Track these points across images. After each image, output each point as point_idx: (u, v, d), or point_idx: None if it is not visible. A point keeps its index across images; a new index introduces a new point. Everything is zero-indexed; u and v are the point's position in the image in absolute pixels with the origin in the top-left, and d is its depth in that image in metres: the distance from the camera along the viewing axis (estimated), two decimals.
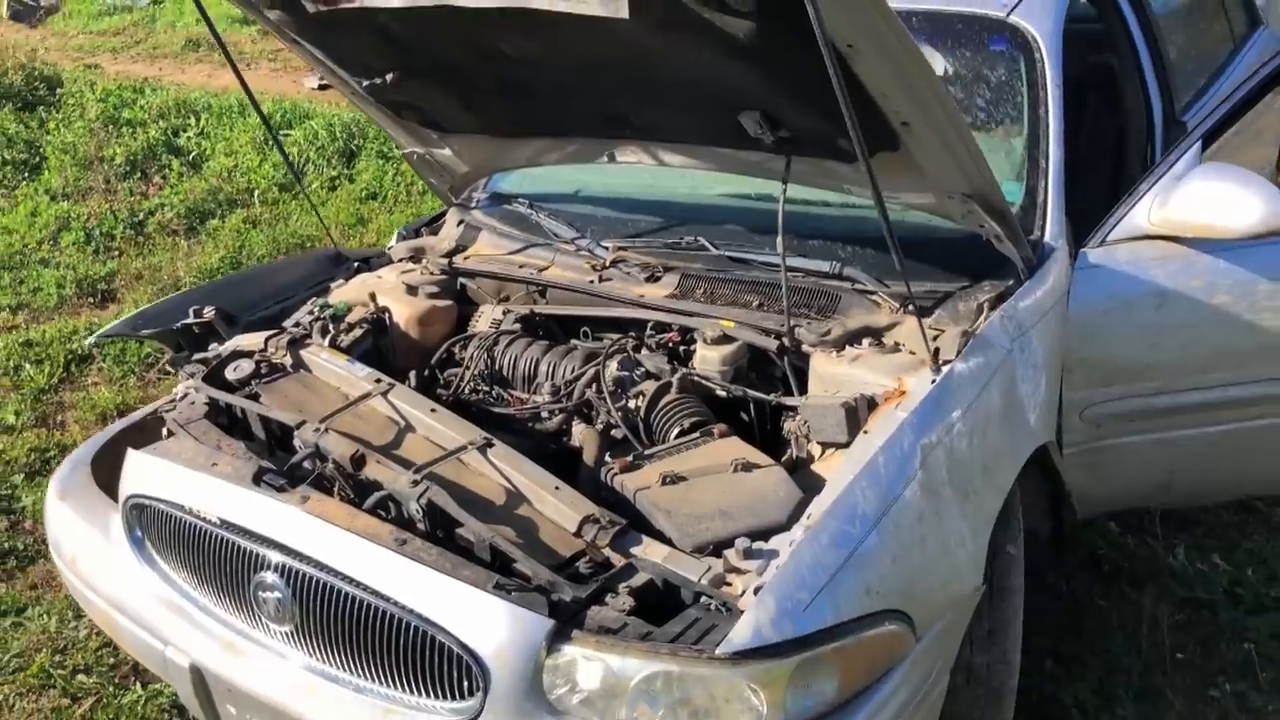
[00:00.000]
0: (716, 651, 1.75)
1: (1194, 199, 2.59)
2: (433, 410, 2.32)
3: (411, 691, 1.94)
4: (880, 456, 2.01)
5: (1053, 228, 2.69)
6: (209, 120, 7.68)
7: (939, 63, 3.12)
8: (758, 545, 1.93)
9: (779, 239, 2.46)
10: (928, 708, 2.05)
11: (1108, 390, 2.73)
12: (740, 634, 1.76)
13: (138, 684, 2.87)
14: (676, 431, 2.33)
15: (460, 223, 3.21)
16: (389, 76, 2.67)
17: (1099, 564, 3.05)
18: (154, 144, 7.26)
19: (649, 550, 1.99)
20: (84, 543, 2.40)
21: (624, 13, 1.97)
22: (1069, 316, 2.65)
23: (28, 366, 4.59)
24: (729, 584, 1.90)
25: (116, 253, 5.92)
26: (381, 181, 6.54)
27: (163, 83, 9.04)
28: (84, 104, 8.03)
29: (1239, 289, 2.67)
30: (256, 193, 6.55)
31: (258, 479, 2.11)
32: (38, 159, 7.20)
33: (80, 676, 2.92)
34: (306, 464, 2.18)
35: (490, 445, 2.20)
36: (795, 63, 1.96)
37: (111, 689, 2.88)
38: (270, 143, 7.24)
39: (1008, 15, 3.01)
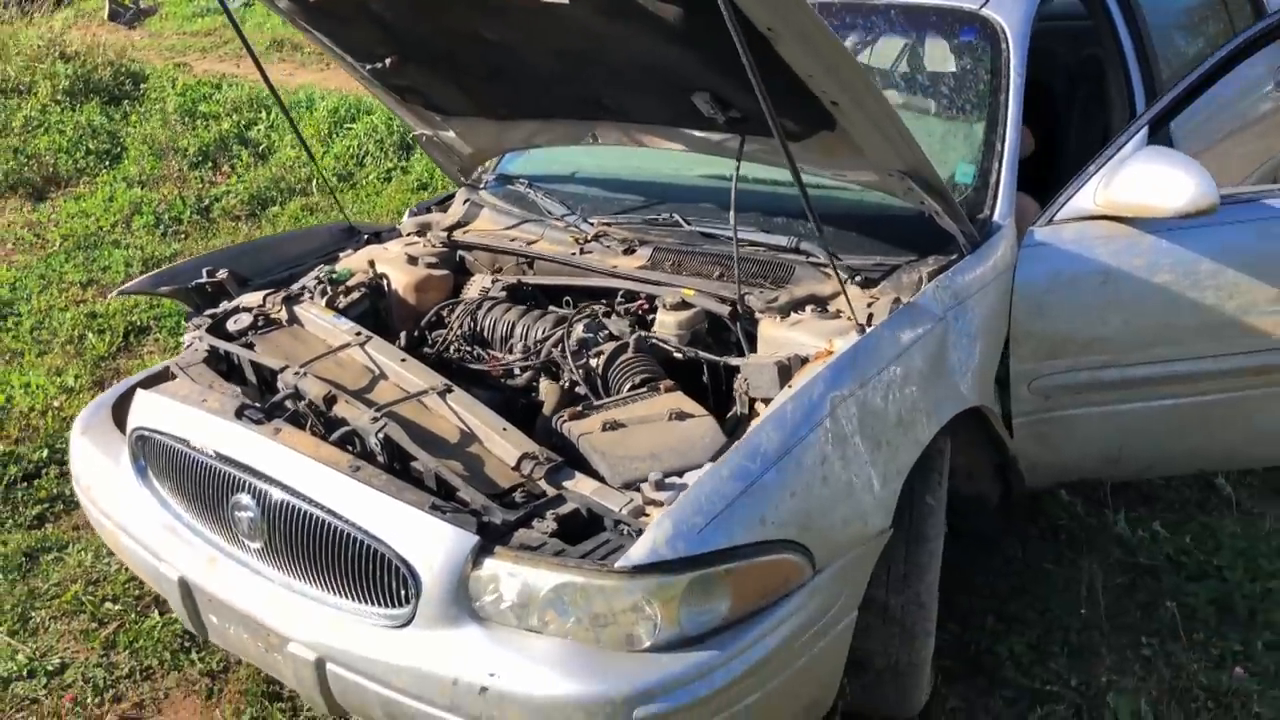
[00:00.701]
0: (615, 565, 1.96)
1: (1134, 180, 2.73)
2: (403, 360, 2.56)
3: (359, 600, 2.18)
4: (789, 404, 2.19)
5: (1002, 207, 2.84)
6: (278, 114, 8.07)
7: (938, 56, 3.30)
8: (670, 479, 2.13)
9: (732, 214, 2.65)
10: (833, 638, 2.22)
11: (1054, 363, 2.87)
12: (638, 551, 1.97)
13: (157, 612, 3.16)
14: (629, 386, 2.54)
15: (466, 201, 3.46)
16: (388, 61, 2.93)
17: (1056, 533, 3.18)
18: (226, 136, 7.66)
19: (579, 485, 2.20)
20: (98, 472, 2.69)
21: None
22: (1016, 291, 2.80)
23: (90, 336, 4.95)
24: (647, 515, 2.10)
25: (183, 235, 6.31)
26: (432, 173, 6.83)
27: (241, 79, 9.48)
28: (164, 98, 8.50)
29: (1181, 268, 2.79)
30: (315, 182, 6.90)
31: (239, 413, 2.38)
32: (119, 149, 7.65)
33: (108, 604, 3.22)
34: (287, 403, 2.44)
35: (450, 391, 2.44)
36: (728, 45, 2.15)
37: (134, 615, 3.17)
38: (333, 134, 7.63)
39: (980, 8, 3.16)
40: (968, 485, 2.96)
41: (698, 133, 2.75)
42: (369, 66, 2.98)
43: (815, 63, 2.18)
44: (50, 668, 2.98)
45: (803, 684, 2.20)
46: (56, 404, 4.35)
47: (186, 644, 3.04)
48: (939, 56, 3.20)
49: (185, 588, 2.40)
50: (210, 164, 7.38)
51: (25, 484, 3.84)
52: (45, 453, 3.98)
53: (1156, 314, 2.82)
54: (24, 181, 7.11)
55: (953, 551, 3.01)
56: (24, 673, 2.96)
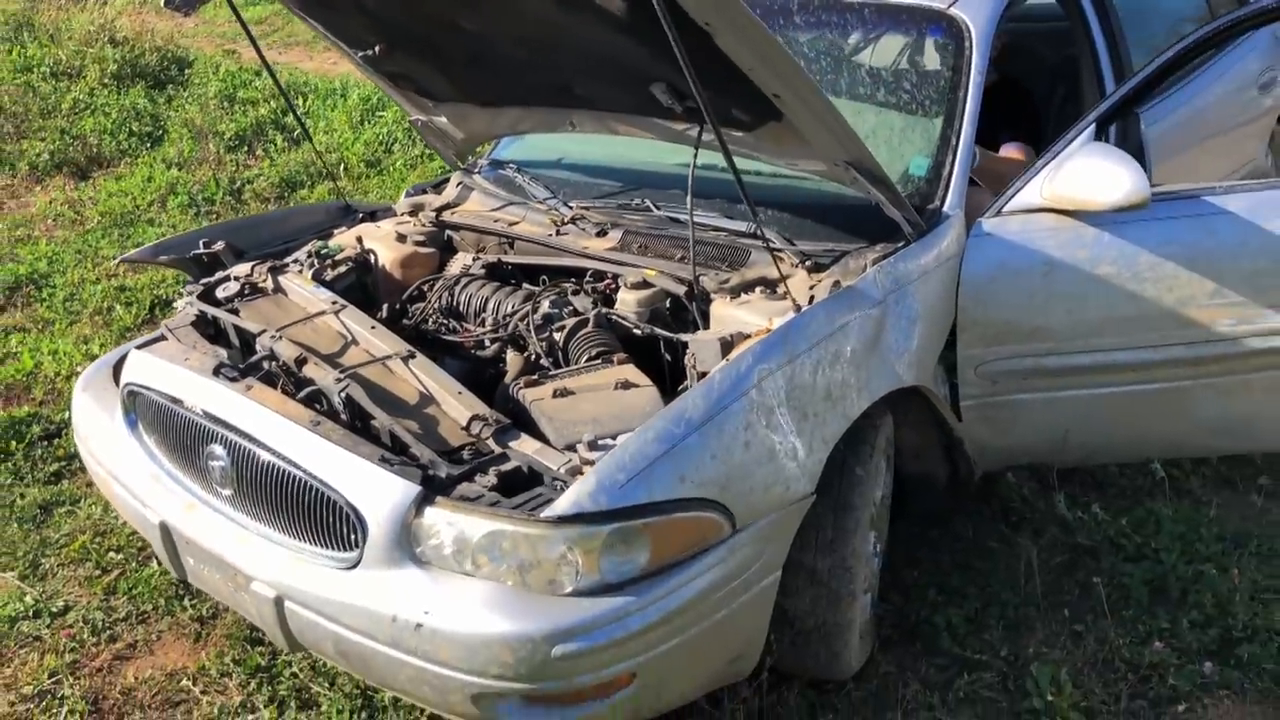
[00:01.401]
0: (541, 515, 2.14)
1: (1076, 175, 2.85)
2: (373, 328, 2.75)
3: (314, 544, 2.37)
4: (717, 375, 2.36)
5: (953, 198, 2.98)
6: (314, 101, 8.34)
7: (904, 53, 3.43)
8: (604, 441, 2.30)
9: (688, 200, 2.82)
10: (755, 594, 2.38)
11: (999, 349, 3.00)
12: (562, 503, 2.14)
13: (155, 562, 3.38)
14: (585, 359, 2.71)
15: (459, 184, 3.65)
16: (377, 49, 3.12)
17: (1007, 514, 3.31)
18: (262, 121, 7.92)
19: (523, 445, 2.38)
20: (95, 425, 2.91)
21: None
22: (962, 279, 2.93)
23: (118, 308, 5.20)
24: (583, 474, 2.27)
25: (214, 215, 6.55)
26: None
27: (282, 66, 9.76)
28: (207, 84, 8.79)
29: (1122, 261, 2.91)
30: (345, 167, 7.13)
31: (216, 371, 2.58)
32: (160, 132, 7.94)
33: (112, 554, 3.45)
34: (263, 364, 2.64)
35: (412, 357, 2.63)
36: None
37: (134, 565, 3.39)
38: (364, 121, 7.86)
39: (948, 7, 3.29)
40: (915, 465, 3.11)
41: (661, 121, 2.91)
42: (360, 54, 3.18)
43: (753, 56, 2.33)
44: (54, 609, 3.20)
45: (725, 636, 2.36)
46: (80, 370, 4.59)
47: (180, 592, 3.25)
48: (905, 53, 3.34)
49: (165, 531, 2.61)
50: (246, 148, 7.64)
51: (46, 443, 4.08)
52: (66, 414, 4.22)
53: (1098, 305, 2.93)
54: (69, 161, 7.40)
55: (901, 528, 3.18)
56: (30, 613, 3.19)
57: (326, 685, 2.84)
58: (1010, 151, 3.83)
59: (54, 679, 2.93)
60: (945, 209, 2.96)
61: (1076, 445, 3.15)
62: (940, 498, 3.18)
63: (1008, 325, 2.97)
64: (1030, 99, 4.15)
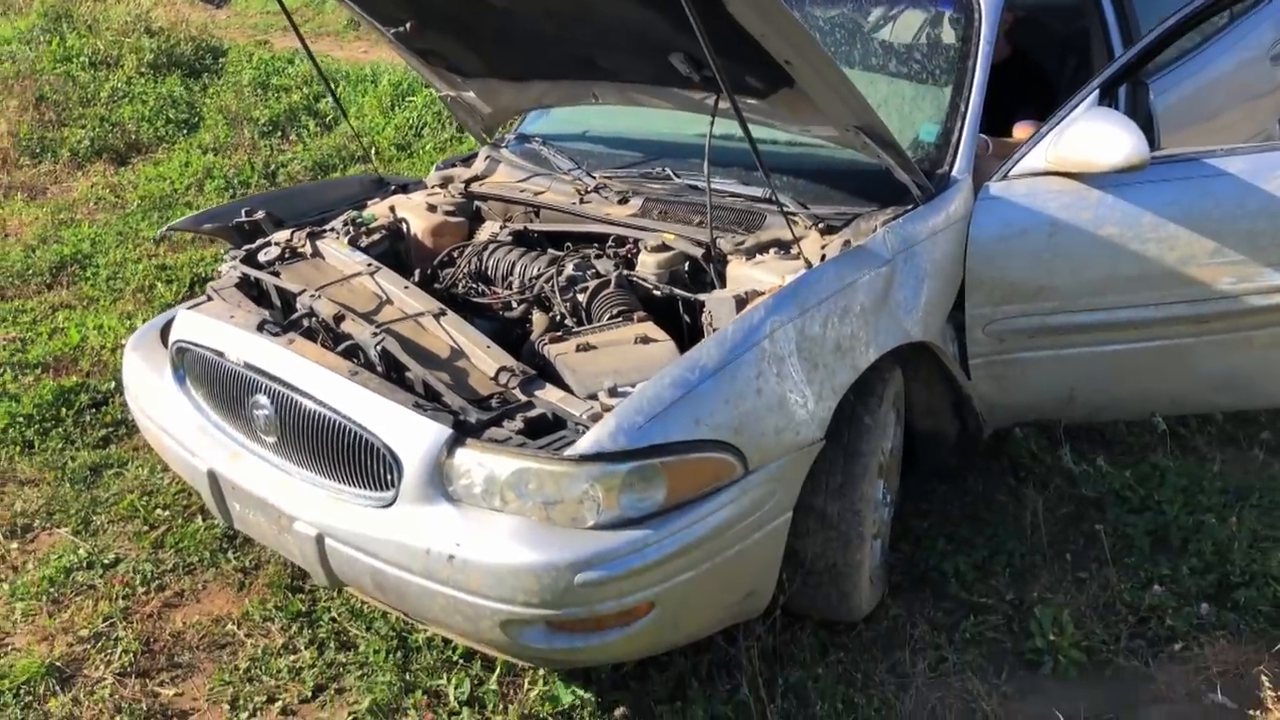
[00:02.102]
0: (564, 454, 2.28)
1: (1078, 138, 2.96)
2: (406, 288, 2.91)
3: (353, 485, 2.52)
4: (731, 327, 2.49)
5: (961, 163, 3.10)
6: (345, 88, 8.52)
7: (916, 24, 3.55)
8: (624, 389, 2.44)
9: (705, 166, 2.95)
10: (767, 533, 2.51)
11: (1007, 309, 3.11)
12: (584, 443, 2.29)
13: (200, 519, 3.55)
14: (607, 317, 2.85)
15: (487, 158, 3.79)
16: (408, 25, 3.27)
17: (1016, 469, 3.42)
18: (295, 107, 8.12)
19: (548, 394, 2.52)
20: (145, 382, 3.08)
21: None
22: (970, 240, 3.04)
23: (159, 285, 5.39)
24: (604, 418, 2.41)
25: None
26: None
27: (315, 55, 9.94)
28: (241, 72, 8.98)
29: (1125, 221, 3.01)
30: (376, 150, 7.30)
31: (260, 327, 2.74)
32: (196, 119, 8.15)
33: (159, 511, 3.62)
34: (304, 321, 2.80)
35: (444, 314, 2.77)
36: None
37: (181, 521, 3.57)
38: (395, 105, 8.02)
39: None
40: (926, 421, 3.23)
41: (680, 91, 3.04)
42: (392, 30, 3.33)
43: (764, 23, 2.45)
44: (106, 561, 3.38)
45: (739, 572, 2.50)
46: (124, 343, 4.78)
47: (224, 545, 3.43)
48: (917, 25, 3.45)
49: (213, 479, 2.77)
50: (280, 134, 7.83)
51: (94, 410, 4.27)
52: (112, 384, 4.40)
53: (1101, 264, 3.04)
54: (109, 147, 7.62)
55: (912, 482, 3.30)
56: (84, 564, 3.37)
57: (364, 628, 3.00)
58: (1023, 130, 3.92)
59: (108, 623, 3.11)
60: (954, 173, 3.07)
61: (1082, 402, 3.26)
62: (950, 453, 3.30)
63: (1014, 285, 3.08)
64: (1043, 74, 4.24)
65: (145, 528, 3.56)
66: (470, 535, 2.32)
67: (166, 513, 3.62)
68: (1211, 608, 2.87)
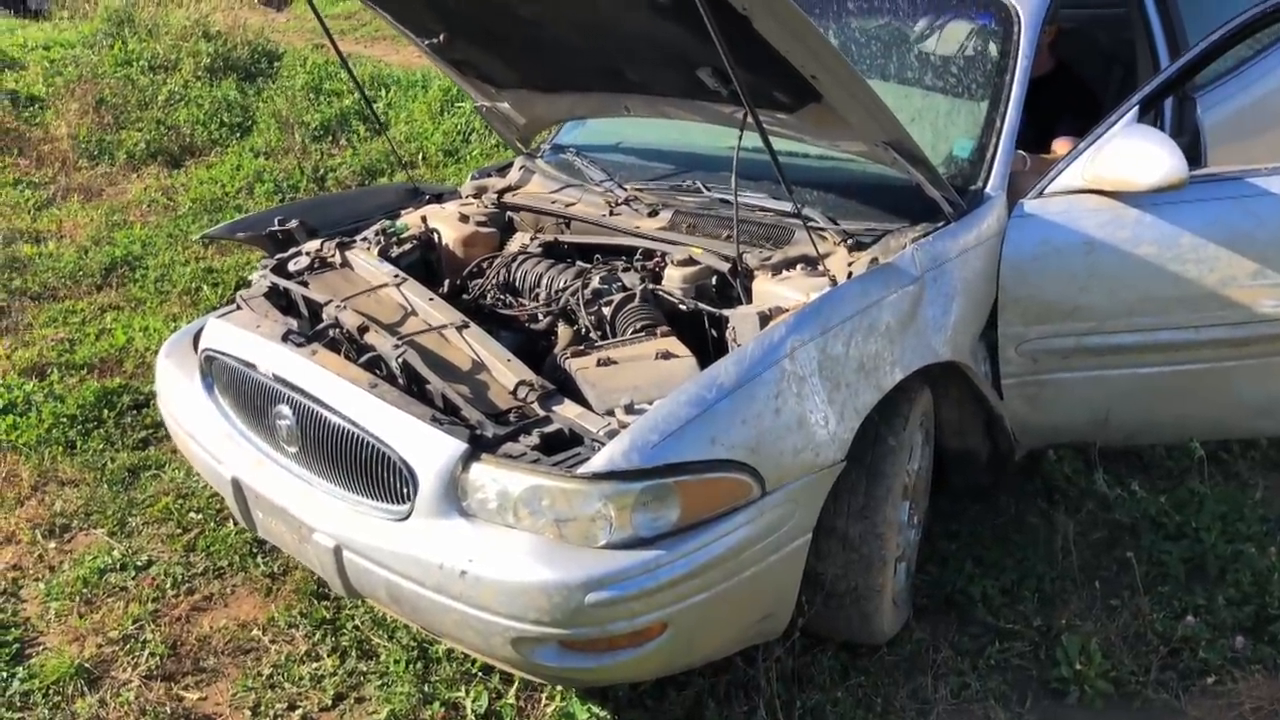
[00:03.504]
0: (578, 472, 2.27)
1: (1116, 155, 2.90)
2: (431, 299, 2.91)
3: (371, 497, 2.53)
4: (751, 345, 2.46)
5: (995, 180, 3.04)
6: (397, 93, 8.60)
7: (954, 37, 3.49)
8: (641, 406, 2.42)
9: (733, 180, 2.92)
10: (785, 555, 2.48)
11: (1041, 328, 3.05)
12: (598, 461, 2.27)
13: (231, 523, 3.59)
14: (630, 332, 2.83)
15: (521, 168, 3.80)
16: (442, 36, 3.28)
17: (1050, 492, 3.36)
18: (346, 112, 8.21)
19: (566, 409, 2.51)
20: (175, 388, 3.12)
21: None
22: (1004, 258, 2.99)
23: (205, 288, 5.47)
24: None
25: None
26: None
27: (368, 59, 10.05)
28: (294, 76, 9.10)
29: (1164, 241, 2.95)
30: (423, 156, 7.36)
31: (285, 337, 2.76)
32: (249, 122, 8.26)
33: (192, 514, 3.67)
34: (329, 331, 2.82)
35: (466, 326, 2.78)
36: (718, 23, 2.41)
37: (213, 525, 3.61)
38: (444, 111, 8.08)
39: None
40: (957, 441, 3.18)
41: (709, 105, 3.02)
42: (427, 42, 3.34)
43: (790, 39, 2.43)
44: (139, 563, 3.43)
45: (755, 594, 2.47)
46: None
47: (254, 550, 3.46)
48: (955, 38, 3.40)
49: (237, 486, 2.79)
50: (330, 138, 7.92)
51: (135, 412, 4.34)
52: (154, 386, 4.46)
53: (1139, 284, 2.97)
54: (163, 150, 7.76)
55: (942, 503, 3.25)
56: (118, 566, 3.42)
57: (386, 637, 3.01)
58: (1063, 145, 3.86)
59: (137, 625, 3.15)
60: (988, 190, 3.02)
61: (1118, 425, 3.19)
62: (981, 474, 3.25)
63: (1049, 304, 3.02)
64: (1087, 88, 4.16)
65: (178, 531, 3.61)
66: (483, 551, 2.32)
67: (199, 516, 3.66)
68: (1247, 641, 2.79)
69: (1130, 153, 2.86)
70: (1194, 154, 3.56)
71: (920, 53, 3.41)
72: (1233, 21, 2.98)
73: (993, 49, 3.28)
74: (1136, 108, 2.99)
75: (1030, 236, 3.00)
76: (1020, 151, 3.16)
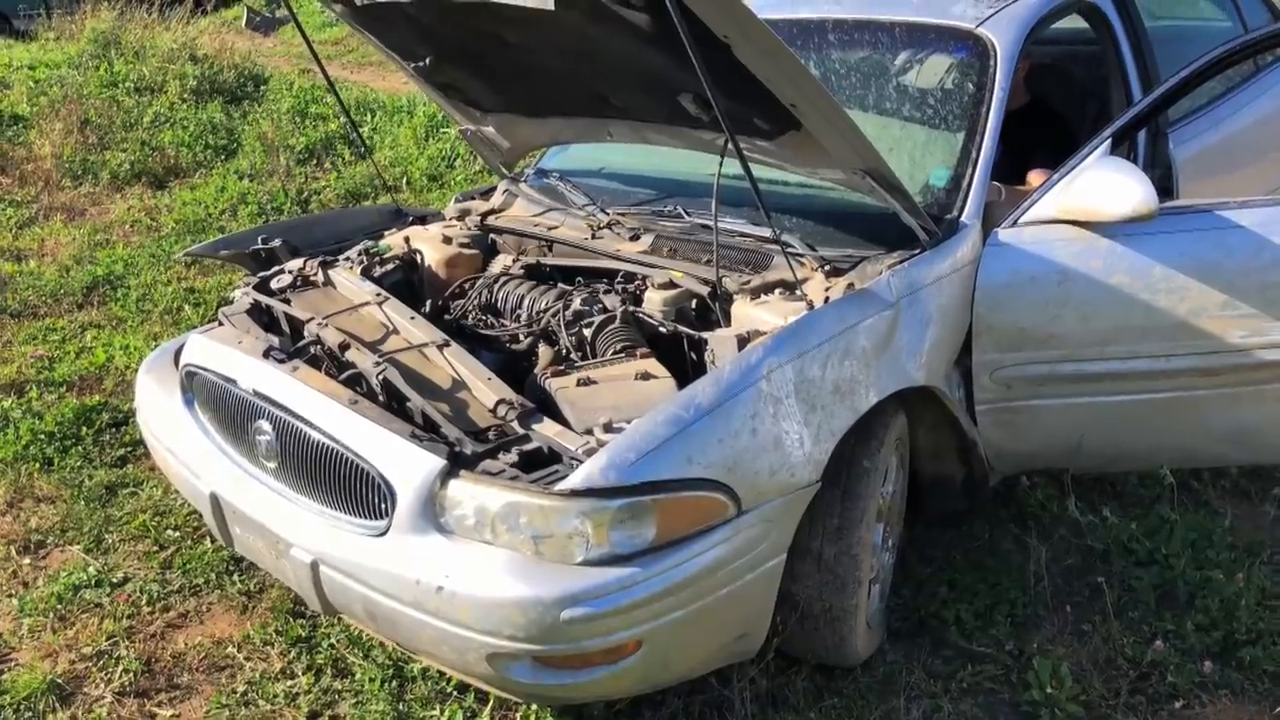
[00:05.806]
0: (555, 488, 2.29)
1: (1088, 186, 2.95)
2: (412, 318, 2.94)
3: (348, 513, 2.55)
4: (727, 366, 2.50)
5: (970, 209, 3.09)
6: (382, 118, 8.64)
7: (932, 70, 3.56)
8: (619, 425, 2.45)
9: (713, 205, 2.96)
10: (760, 575, 2.50)
11: (1015, 355, 3.09)
12: (575, 478, 2.29)
13: (208, 541, 3.59)
14: (610, 353, 2.86)
15: (505, 191, 3.84)
16: (427, 60, 3.32)
17: (1024, 518, 3.39)
18: (331, 136, 8.23)
19: (545, 428, 2.53)
20: (155, 404, 3.13)
21: (549, 5, 2.53)
22: (978, 286, 3.04)
23: (187, 308, 5.48)
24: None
25: None
26: None
27: (354, 84, 10.10)
28: (280, 100, 9.13)
29: (1135, 271, 2.99)
30: (408, 180, 7.39)
31: (266, 354, 2.78)
32: (234, 145, 8.29)
33: (169, 531, 3.67)
34: (310, 348, 2.84)
35: (447, 345, 2.80)
36: (699, 51, 2.46)
37: (190, 542, 3.61)
38: (429, 137, 8.12)
39: (976, 26, 3.41)
40: (932, 466, 3.21)
41: (691, 131, 3.07)
42: (412, 65, 3.38)
43: (770, 67, 2.48)
44: (114, 580, 3.42)
45: (730, 613, 2.49)
46: None
47: (231, 567, 3.46)
48: (934, 71, 3.46)
49: (215, 501, 2.80)
50: (315, 161, 7.95)
51: (114, 429, 4.33)
52: (133, 404, 4.45)
53: (1111, 313, 3.01)
54: (147, 171, 7.77)
55: (918, 529, 3.28)
56: (92, 582, 3.41)
57: (361, 655, 3.01)
58: (1037, 177, 3.91)
59: (111, 641, 3.14)
60: (963, 218, 3.07)
61: (1091, 452, 3.23)
62: (956, 499, 3.28)
63: (1022, 332, 3.06)
64: (1063, 121, 4.23)
65: (155, 548, 3.60)
66: (459, 567, 2.33)
67: (176, 534, 3.66)
68: (1215, 666, 2.82)
69: (1102, 184, 2.92)
70: (1166, 187, 3.63)
71: (899, 84, 3.47)
72: (1202, 58, 3.05)
73: (969, 82, 3.34)
74: (1109, 140, 3.05)
75: (1004, 265, 3.04)
76: (995, 183, 3.21)
